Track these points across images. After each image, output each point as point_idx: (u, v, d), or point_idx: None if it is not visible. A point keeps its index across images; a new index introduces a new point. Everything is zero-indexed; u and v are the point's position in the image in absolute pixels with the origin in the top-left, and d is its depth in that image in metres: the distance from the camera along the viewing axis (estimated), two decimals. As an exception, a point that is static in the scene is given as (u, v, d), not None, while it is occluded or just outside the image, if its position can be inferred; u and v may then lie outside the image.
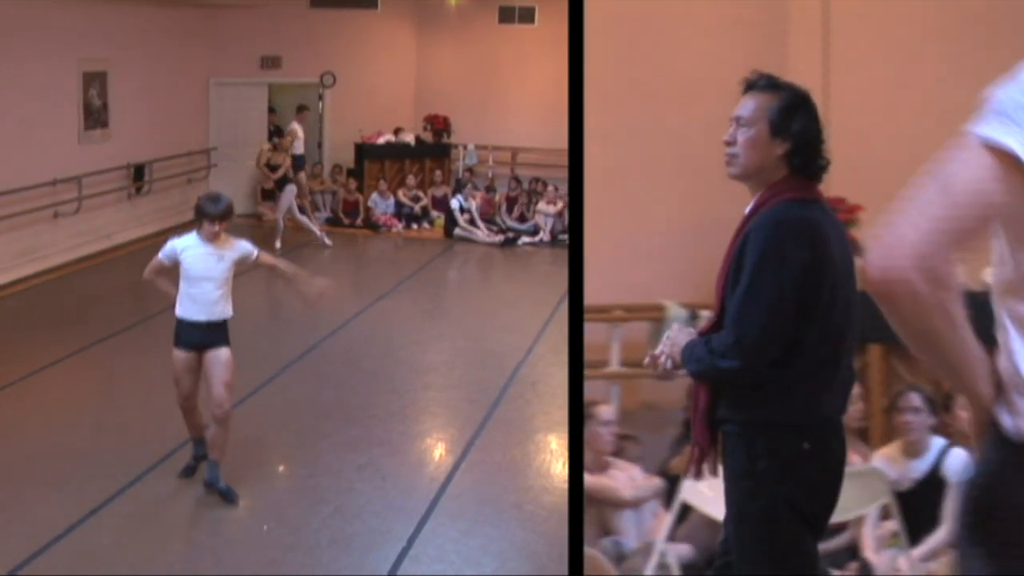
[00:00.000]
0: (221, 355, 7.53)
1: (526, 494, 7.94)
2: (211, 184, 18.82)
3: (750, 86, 3.84)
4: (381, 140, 19.71)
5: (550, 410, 9.76)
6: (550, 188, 18.35)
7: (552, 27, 18.63)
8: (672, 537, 6.08)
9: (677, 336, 3.88)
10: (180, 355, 7.55)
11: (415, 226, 18.81)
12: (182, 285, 7.57)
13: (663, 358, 3.88)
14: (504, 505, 7.73)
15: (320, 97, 19.91)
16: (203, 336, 7.51)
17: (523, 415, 9.66)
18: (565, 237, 17.76)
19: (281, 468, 8.46)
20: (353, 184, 19.12)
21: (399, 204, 18.99)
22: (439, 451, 8.93)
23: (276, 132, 19.80)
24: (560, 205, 18.06)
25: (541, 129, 19.20)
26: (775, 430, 3.72)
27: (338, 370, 10.63)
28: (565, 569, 6.76)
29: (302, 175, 18.07)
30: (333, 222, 18.84)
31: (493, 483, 8.12)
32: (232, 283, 7.62)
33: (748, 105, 3.80)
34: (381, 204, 18.81)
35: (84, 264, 15.13)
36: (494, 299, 14.77)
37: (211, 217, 7.42)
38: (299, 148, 18.00)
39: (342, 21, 19.47)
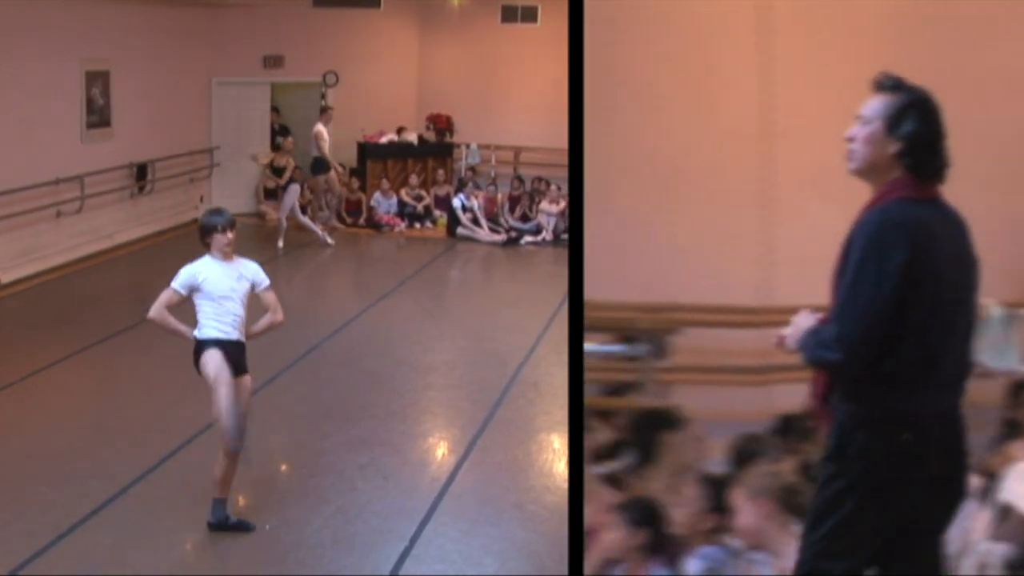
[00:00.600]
0: (246, 382, 7.23)
1: (528, 494, 7.94)
2: (213, 184, 18.83)
3: (877, 86, 3.95)
4: (384, 139, 19.70)
5: (552, 410, 9.75)
6: (553, 187, 18.34)
7: (555, 26, 18.63)
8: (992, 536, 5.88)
9: (802, 321, 3.98)
10: (215, 353, 7.08)
11: (417, 225, 18.81)
12: (206, 309, 7.22)
13: (788, 339, 4.01)
14: (506, 505, 7.72)
15: (323, 96, 19.89)
16: (233, 355, 7.10)
17: (525, 415, 9.65)
18: (567, 236, 17.75)
19: (283, 468, 8.46)
20: (356, 183, 19.11)
21: (401, 203, 18.98)
22: (441, 451, 8.92)
23: (281, 131, 19.81)
24: (563, 204, 18.06)
25: (544, 128, 19.19)
26: (873, 423, 3.84)
27: (340, 370, 10.63)
28: (566, 569, 6.76)
29: (332, 175, 18.10)
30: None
31: (495, 483, 8.11)
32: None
33: (870, 104, 3.93)
34: (384, 203, 18.80)
35: (86, 264, 15.13)
36: (496, 299, 14.76)
37: (221, 227, 7.15)
38: (325, 150, 18.00)
39: (344, 20, 19.47)
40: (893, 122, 3.86)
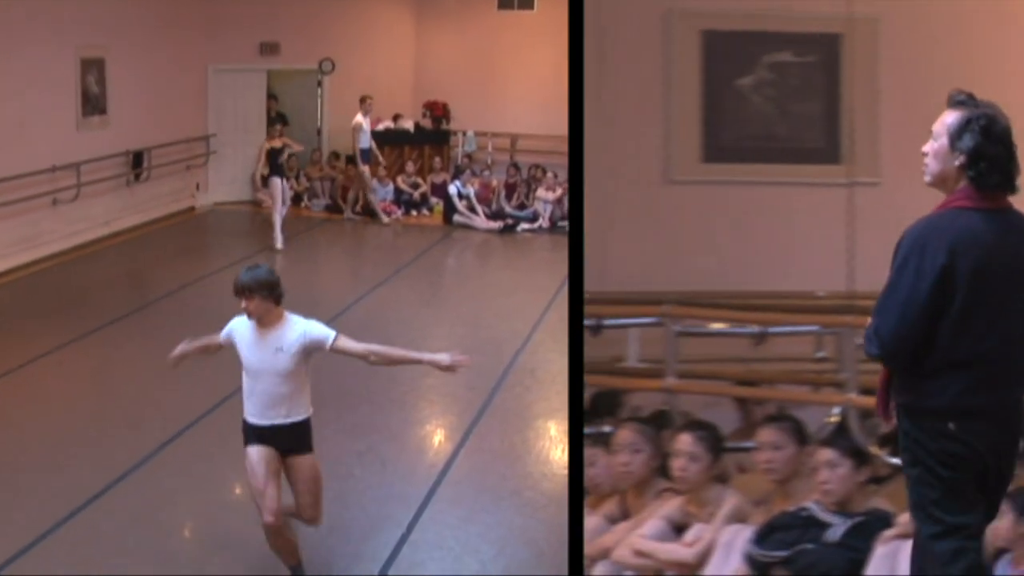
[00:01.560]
0: (303, 463, 6.19)
1: (525, 481, 7.95)
2: (210, 171, 18.81)
3: (949, 102, 4.24)
4: (380, 126, 19.66)
5: (549, 396, 9.77)
6: (549, 175, 18.33)
7: (552, 13, 18.59)
8: None
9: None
10: (252, 450, 6.05)
11: (414, 213, 18.80)
12: (244, 380, 6.11)
13: None
14: (503, 492, 7.74)
15: (319, 84, 19.87)
16: (277, 440, 6.10)
17: (522, 402, 9.67)
18: (564, 224, 17.75)
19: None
20: (351, 171, 19.09)
21: (398, 191, 18.97)
22: (438, 438, 8.94)
23: (279, 118, 19.77)
24: (559, 192, 18.05)
25: (540, 115, 19.17)
26: (917, 413, 4.20)
27: (336, 357, 10.59)
28: (564, 554, 6.77)
29: (365, 168, 18.03)
30: (332, 209, 18.83)
31: (492, 470, 8.13)
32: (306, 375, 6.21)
33: (941, 120, 4.21)
34: (380, 191, 18.79)
35: (82, 252, 15.12)
36: (493, 286, 14.76)
37: (235, 290, 6.03)
38: (365, 142, 17.93)
39: (341, 7, 19.43)
40: (956, 137, 4.14)
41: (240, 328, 6.10)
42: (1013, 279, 4.15)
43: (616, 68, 7.94)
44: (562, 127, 17.73)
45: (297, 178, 18.75)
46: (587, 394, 6.97)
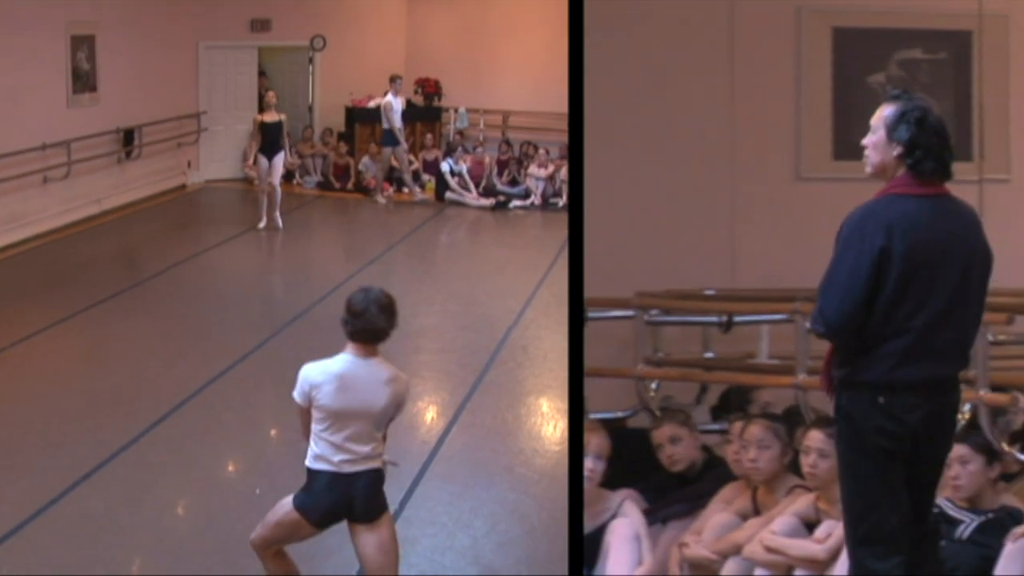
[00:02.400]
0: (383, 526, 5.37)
1: (517, 457, 7.97)
2: (201, 148, 18.75)
3: (885, 97, 4.54)
4: (372, 104, 19.60)
5: (541, 373, 9.79)
6: (541, 151, 18.29)
7: (543, -11, 18.56)
8: None
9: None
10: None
11: (406, 190, 18.76)
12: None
13: None
14: (495, 468, 7.76)
15: (310, 60, 19.80)
16: None
17: (514, 378, 9.68)
18: (556, 201, 17.74)
19: (273, 432, 8.47)
20: (344, 148, 19.06)
21: (390, 168, 18.93)
22: (430, 414, 8.95)
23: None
24: (551, 168, 18.03)
25: (532, 92, 19.12)
26: (852, 387, 4.43)
27: (328, 334, 10.53)
28: (556, 531, 6.79)
29: (400, 149, 17.92)
30: (324, 186, 18.80)
31: (484, 446, 8.15)
32: None
33: (878, 114, 4.49)
34: (372, 168, 18.75)
35: (73, 230, 15.09)
36: (485, 263, 14.76)
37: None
38: (397, 121, 17.77)
39: (332, -17, 19.37)
40: (892, 129, 4.42)
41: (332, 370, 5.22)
42: (946, 260, 4.39)
43: (746, 65, 7.93)
44: (553, 103, 17.84)
45: (288, 153, 18.69)
46: (718, 390, 7.04)
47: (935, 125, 4.43)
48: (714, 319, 7.12)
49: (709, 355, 7.32)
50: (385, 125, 17.81)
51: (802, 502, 5.56)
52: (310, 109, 20.01)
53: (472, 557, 6.53)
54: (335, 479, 5.08)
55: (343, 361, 5.09)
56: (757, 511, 5.77)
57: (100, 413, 8.57)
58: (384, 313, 5.08)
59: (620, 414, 7.21)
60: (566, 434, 8.40)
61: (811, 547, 5.35)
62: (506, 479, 7.59)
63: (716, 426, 6.77)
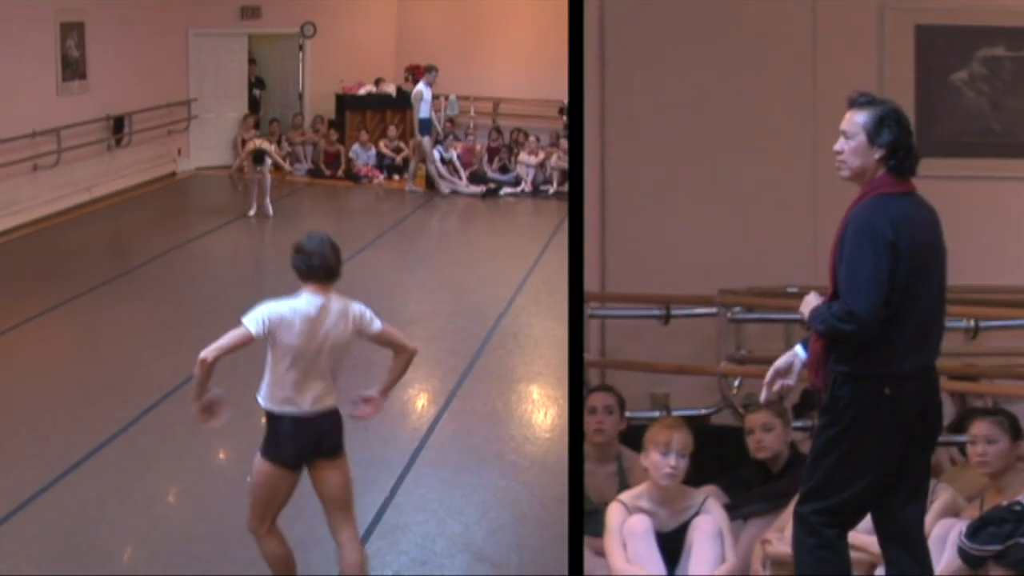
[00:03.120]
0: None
1: (508, 444, 7.99)
2: (191, 136, 18.72)
3: (851, 103, 4.63)
4: (362, 91, 19.60)
5: (531, 360, 9.81)
6: (531, 139, 18.28)
7: (533, -24, 18.54)
8: None
9: (811, 300, 4.66)
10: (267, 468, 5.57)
11: (396, 177, 18.75)
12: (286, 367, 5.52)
13: (805, 317, 4.68)
14: (486, 455, 7.77)
15: (300, 47, 19.75)
16: None
17: (505, 366, 9.70)
18: (546, 188, 17.74)
19: (263, 419, 8.45)
20: (334, 135, 19.03)
21: (380, 155, 18.92)
22: (421, 402, 8.96)
23: (257, 83, 19.68)
24: (541, 156, 18.02)
25: (523, 80, 19.10)
26: (860, 380, 4.54)
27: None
28: (547, 517, 6.82)
29: (427, 140, 17.71)
30: (314, 173, 18.77)
31: (475, 433, 8.16)
32: None
33: (851, 120, 4.60)
34: (362, 155, 18.73)
35: (64, 217, 15.06)
36: (475, 250, 14.76)
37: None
38: (425, 111, 17.56)
39: (322, -30, 19.32)
40: (874, 133, 4.55)
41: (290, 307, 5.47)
42: (935, 253, 4.63)
43: (829, 63, 7.97)
44: (544, 91, 17.81)
45: (279, 143, 18.66)
46: (800, 388, 6.99)
47: (908, 125, 4.61)
48: (796, 317, 7.11)
49: None
50: (421, 115, 17.54)
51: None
52: (300, 96, 19.97)
53: (463, 544, 6.55)
54: (300, 422, 5.29)
55: (307, 301, 5.28)
56: None
57: (90, 401, 8.57)
58: (335, 252, 5.39)
59: (703, 411, 7.28)
60: (556, 421, 8.43)
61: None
62: (497, 466, 7.60)
63: (800, 423, 6.79)
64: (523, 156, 18.16)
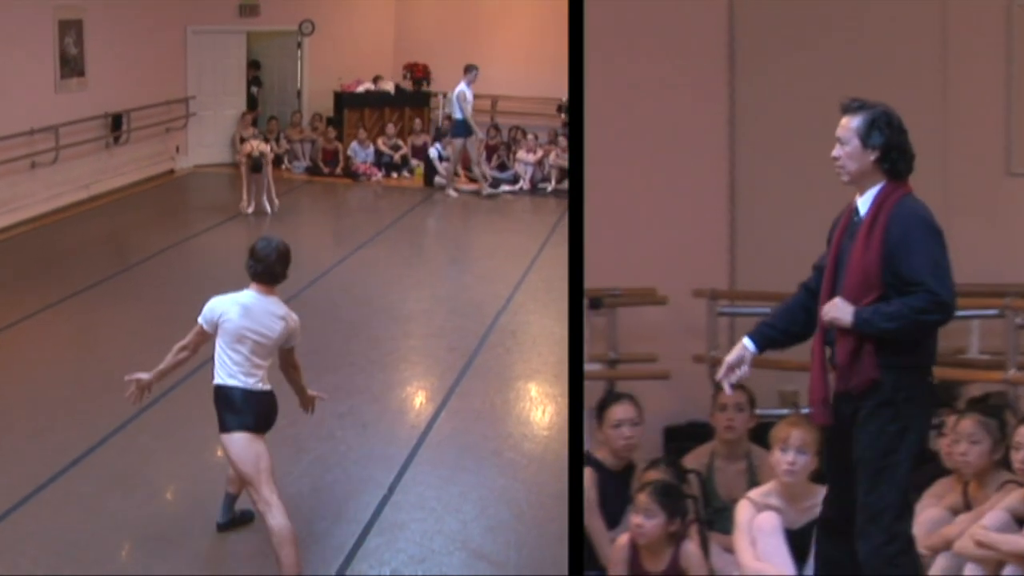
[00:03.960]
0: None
1: (506, 441, 7.99)
2: (189, 133, 18.71)
3: (844, 110, 4.77)
4: (360, 88, 19.60)
5: (530, 358, 9.81)
6: (530, 136, 18.29)
7: (532, -26, 18.54)
8: None
9: (843, 305, 4.70)
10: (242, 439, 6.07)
11: (394, 175, 18.75)
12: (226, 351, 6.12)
13: (842, 319, 4.71)
14: (484, 452, 7.78)
15: (299, 45, 19.75)
16: None
17: (503, 363, 9.70)
18: (544, 186, 17.75)
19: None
20: (332, 133, 19.02)
21: (378, 153, 18.92)
22: (419, 399, 8.97)
23: (254, 82, 19.67)
24: (540, 153, 18.02)
25: (521, 77, 19.11)
26: (915, 371, 4.71)
27: (318, 319, 10.62)
28: (545, 515, 6.83)
29: (473, 139, 17.46)
30: (312, 171, 18.77)
31: (473, 431, 8.17)
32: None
33: (844, 126, 4.74)
34: (360, 153, 18.73)
35: (62, 215, 15.06)
36: (474, 248, 14.77)
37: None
38: (467, 111, 17.23)
39: (320, -32, 19.32)
40: (866, 136, 4.69)
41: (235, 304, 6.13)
42: None
43: (958, 62, 7.96)
44: (542, 89, 17.80)
45: (277, 140, 18.66)
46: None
47: (901, 125, 4.73)
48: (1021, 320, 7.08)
49: None
50: (458, 115, 17.24)
51: (1013, 497, 5.50)
52: (298, 94, 19.97)
53: (461, 541, 6.56)
54: (247, 394, 5.97)
55: (248, 295, 6.05)
56: (968, 506, 5.73)
57: (89, 398, 8.57)
58: (281, 260, 6.12)
59: None
60: (555, 419, 8.44)
61: (1023, 542, 5.34)
62: (495, 464, 7.61)
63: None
64: (521, 154, 18.16)
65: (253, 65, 19.72)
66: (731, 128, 8.08)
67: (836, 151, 4.76)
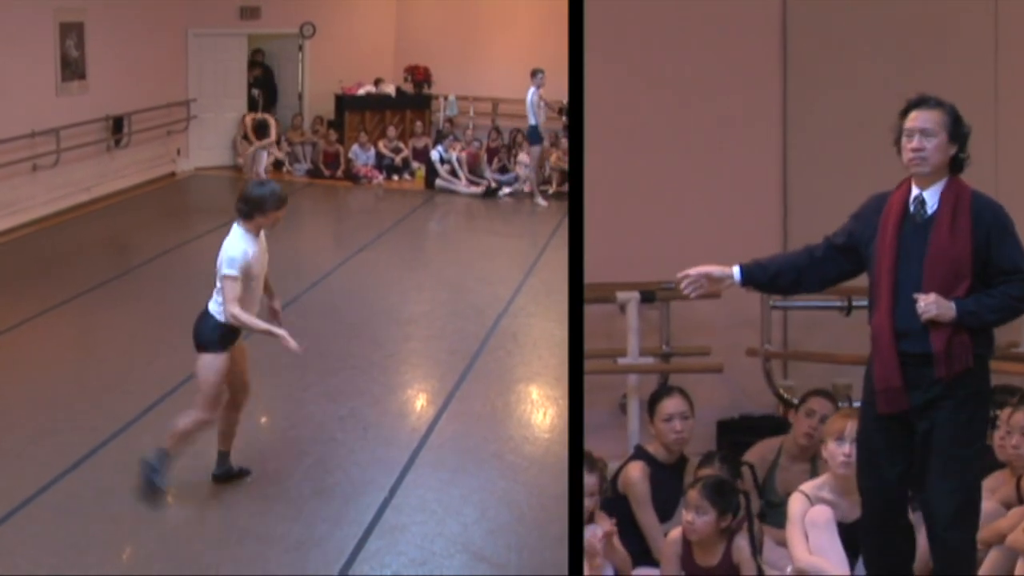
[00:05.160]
0: (243, 348, 7.05)
1: (507, 444, 7.99)
2: (190, 136, 18.72)
3: (922, 103, 4.89)
4: (361, 91, 19.60)
5: (530, 360, 9.81)
6: (531, 139, 18.26)
7: (533, -24, 18.54)
8: None
9: (936, 298, 4.78)
10: (223, 357, 6.76)
11: (396, 177, 18.76)
12: (242, 289, 6.61)
13: (943, 313, 4.79)
14: (485, 455, 7.78)
15: (300, 48, 19.75)
16: (236, 335, 6.87)
17: (504, 366, 9.70)
18: (545, 188, 17.74)
19: (263, 420, 8.48)
20: (333, 136, 19.02)
21: (379, 155, 18.92)
22: (420, 402, 8.96)
23: (255, 83, 19.67)
24: (541, 156, 18.01)
25: (522, 80, 19.05)
26: (983, 363, 4.90)
27: (319, 321, 10.63)
28: (546, 518, 6.82)
29: (537, 148, 17.24)
30: (313, 174, 18.77)
31: (474, 433, 8.16)
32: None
33: (929, 118, 4.85)
34: (361, 155, 18.73)
35: (63, 217, 15.06)
36: (475, 250, 14.76)
37: (283, 203, 6.67)
38: (541, 117, 16.99)
39: (321, -29, 19.32)
40: (953, 130, 4.85)
41: (246, 244, 6.63)
42: None
43: (1010, 60, 7.93)
44: (544, 91, 17.75)
45: (278, 143, 18.67)
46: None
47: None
48: None
49: None
50: (532, 121, 16.97)
51: None
52: (300, 97, 19.96)
53: (462, 544, 6.55)
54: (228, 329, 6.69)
55: (251, 238, 6.62)
56: (1021, 499, 5.76)
57: (90, 400, 8.57)
58: (282, 201, 6.65)
59: None
60: (556, 421, 8.44)
61: None
62: (496, 466, 7.61)
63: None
64: (522, 156, 18.15)
65: (257, 66, 19.69)
66: (784, 128, 8.12)
67: (918, 143, 4.83)
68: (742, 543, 5.67)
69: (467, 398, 8.84)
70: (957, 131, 4.87)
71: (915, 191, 4.92)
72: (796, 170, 8.13)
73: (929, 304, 4.76)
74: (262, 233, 6.72)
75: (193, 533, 6.65)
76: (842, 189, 7.72)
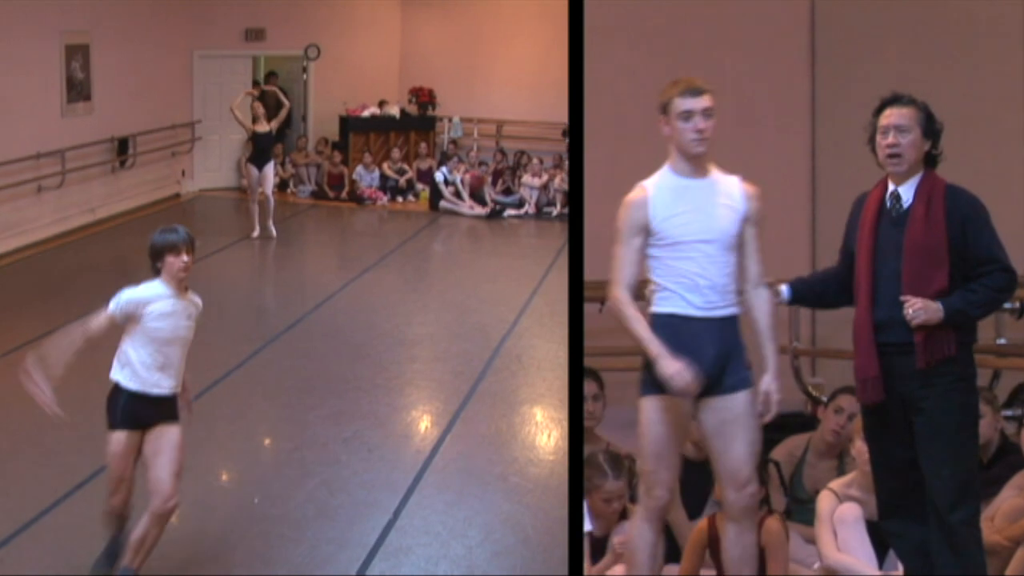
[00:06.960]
0: (172, 434, 5.94)
1: (511, 466, 7.97)
2: (195, 157, 18.77)
3: (896, 101, 5.00)
4: (366, 113, 19.66)
5: (535, 382, 9.79)
6: (535, 161, 18.31)
7: (537, -1, 18.60)
8: None
9: (928, 303, 4.85)
10: (122, 436, 6.02)
11: (400, 199, 18.79)
12: (138, 350, 6.08)
13: (932, 316, 4.85)
14: (489, 477, 7.76)
15: (304, 70, 19.82)
16: (154, 412, 6.00)
17: (508, 388, 9.68)
18: (550, 210, 17.77)
19: (267, 441, 8.47)
20: (338, 157, 19.07)
21: (384, 177, 18.95)
22: (424, 423, 8.95)
23: (260, 97, 19.68)
24: (545, 178, 18.05)
25: (526, 101, 19.16)
26: (967, 348, 4.97)
27: (323, 343, 10.63)
28: (551, 540, 6.80)
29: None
30: (318, 195, 18.81)
31: (478, 455, 8.14)
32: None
33: (903, 115, 4.96)
34: (366, 177, 18.77)
35: (68, 239, 15.08)
36: (479, 272, 14.76)
37: (176, 247, 5.83)
38: None
39: (326, -7, 19.39)
40: (926, 127, 4.96)
41: (156, 296, 5.97)
42: None
43: None
44: (547, 113, 17.82)
45: (283, 164, 18.70)
46: (1011, 376, 7.12)
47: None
48: (1008, 305, 7.15)
49: (1001, 341, 7.45)
50: None
51: None
52: (304, 118, 20.03)
53: (466, 566, 6.53)
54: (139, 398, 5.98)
55: (168, 295, 5.91)
56: None
57: (94, 421, 8.52)
58: (174, 246, 5.82)
59: None
60: (560, 443, 8.42)
61: None
62: (500, 488, 7.58)
63: (1010, 412, 6.80)
64: (527, 178, 18.19)
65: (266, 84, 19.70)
66: (812, 127, 8.19)
67: (893, 139, 4.94)
68: (772, 524, 5.61)
69: (471, 420, 8.83)
70: (930, 127, 4.98)
71: (891, 187, 5.04)
72: (824, 170, 8.18)
73: (917, 310, 4.84)
74: (192, 300, 5.96)
75: (195, 554, 6.63)
76: (870, 185, 7.77)
